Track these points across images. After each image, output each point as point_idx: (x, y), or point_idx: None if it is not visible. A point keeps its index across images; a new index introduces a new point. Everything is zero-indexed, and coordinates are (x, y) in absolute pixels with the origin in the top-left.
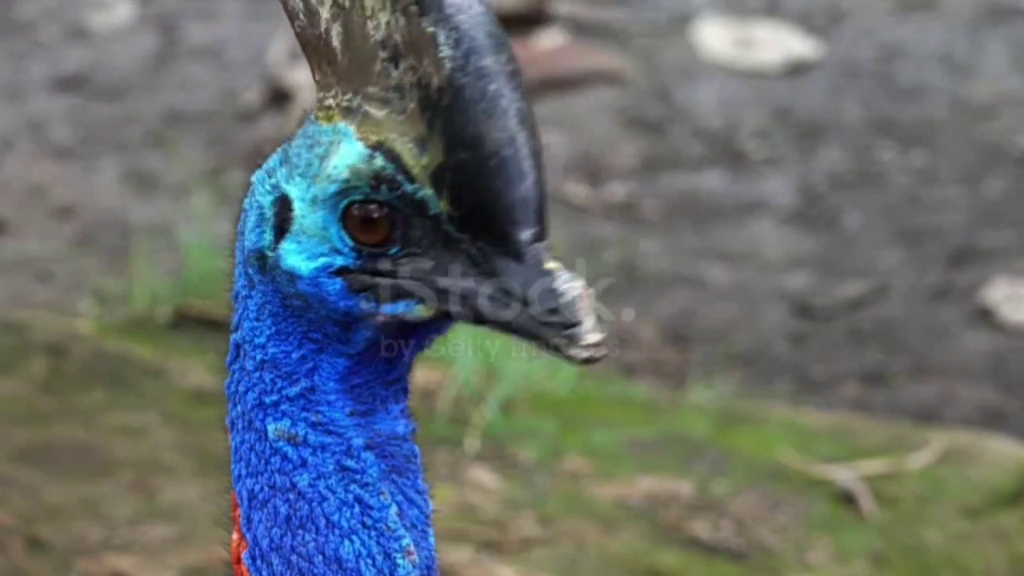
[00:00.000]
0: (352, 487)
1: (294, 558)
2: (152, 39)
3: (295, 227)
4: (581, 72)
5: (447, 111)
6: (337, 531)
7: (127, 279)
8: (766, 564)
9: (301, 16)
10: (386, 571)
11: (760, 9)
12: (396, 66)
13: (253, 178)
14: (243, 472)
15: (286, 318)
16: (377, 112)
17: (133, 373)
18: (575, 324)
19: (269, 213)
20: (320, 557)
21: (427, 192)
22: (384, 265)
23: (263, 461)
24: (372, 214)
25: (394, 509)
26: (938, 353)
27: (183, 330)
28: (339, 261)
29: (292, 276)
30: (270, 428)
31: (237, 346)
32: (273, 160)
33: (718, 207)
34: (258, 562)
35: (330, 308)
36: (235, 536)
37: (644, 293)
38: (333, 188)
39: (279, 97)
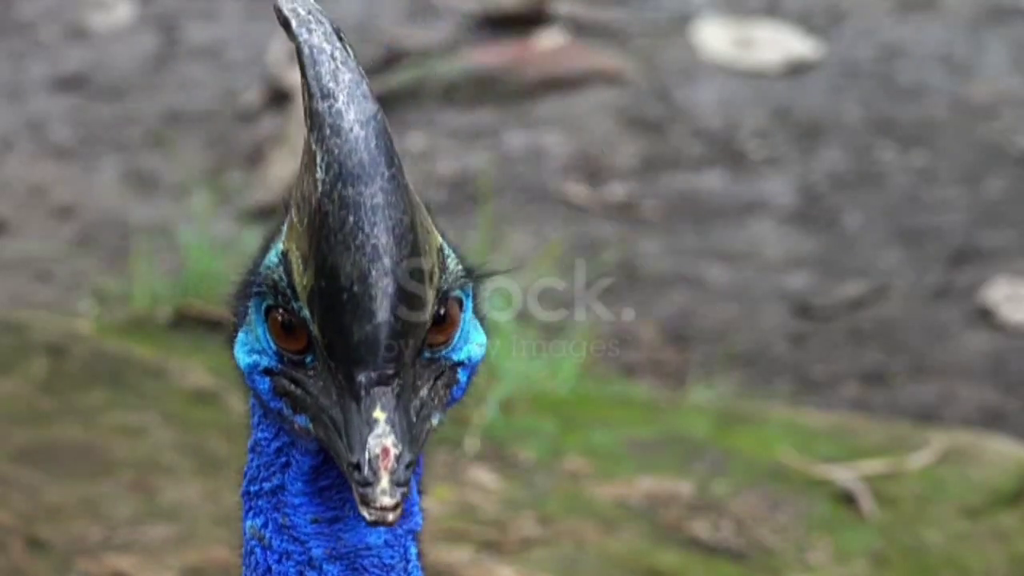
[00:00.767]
0: None
1: None
2: (152, 39)
3: (247, 319)
4: (581, 72)
5: (316, 235)
6: None
7: (127, 279)
8: (766, 564)
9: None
10: None
11: (760, 9)
12: (305, 174)
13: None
14: (244, 562)
15: (263, 409)
16: (294, 218)
17: (133, 373)
18: (367, 484)
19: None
20: None
21: (306, 312)
22: (299, 374)
23: (246, 558)
24: (290, 321)
25: None
26: (938, 353)
27: (183, 330)
28: (264, 362)
29: (237, 366)
30: (247, 525)
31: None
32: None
33: (718, 207)
34: None
35: (265, 405)
36: None
37: (644, 293)
38: (256, 287)
39: (279, 97)
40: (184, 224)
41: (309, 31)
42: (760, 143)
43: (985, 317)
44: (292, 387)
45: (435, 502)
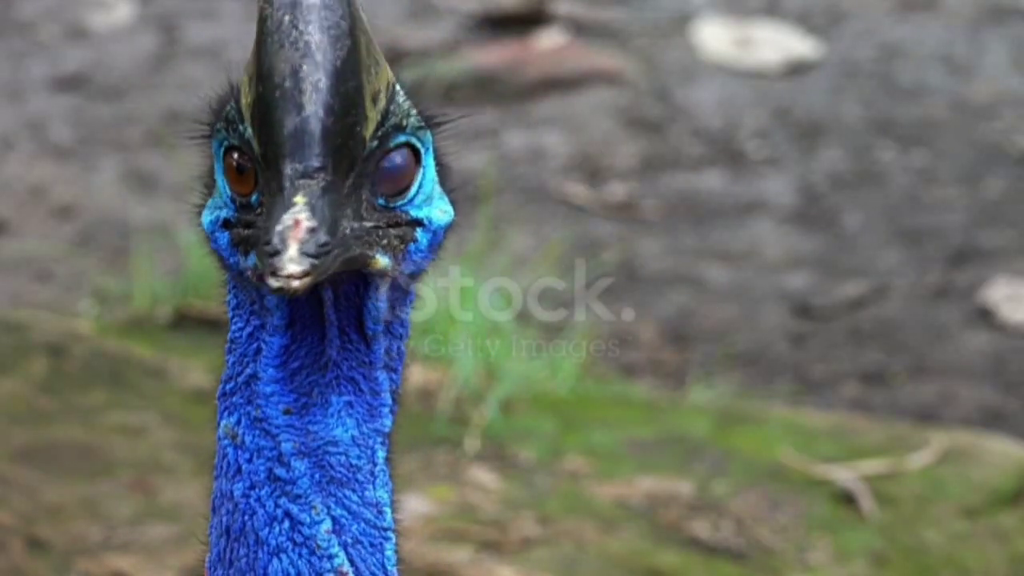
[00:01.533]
0: (282, 500)
1: (232, 572)
2: (152, 39)
3: (214, 184)
4: (581, 72)
5: (258, 43)
6: (265, 548)
7: (127, 279)
8: (766, 564)
9: None
10: None
11: (760, 9)
12: None
13: None
14: (215, 473)
15: (237, 290)
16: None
17: (133, 373)
18: (276, 253)
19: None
20: (251, 574)
21: (249, 131)
22: (250, 216)
23: (219, 462)
24: (241, 163)
25: (326, 525)
26: (938, 353)
27: (183, 330)
28: (224, 213)
29: (204, 236)
30: (222, 424)
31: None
32: None
33: (718, 207)
34: (211, 572)
35: (226, 266)
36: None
37: (644, 293)
38: (215, 127)
39: None
40: (184, 224)
41: None
42: (760, 143)
43: (985, 317)
44: (244, 231)
45: (435, 502)
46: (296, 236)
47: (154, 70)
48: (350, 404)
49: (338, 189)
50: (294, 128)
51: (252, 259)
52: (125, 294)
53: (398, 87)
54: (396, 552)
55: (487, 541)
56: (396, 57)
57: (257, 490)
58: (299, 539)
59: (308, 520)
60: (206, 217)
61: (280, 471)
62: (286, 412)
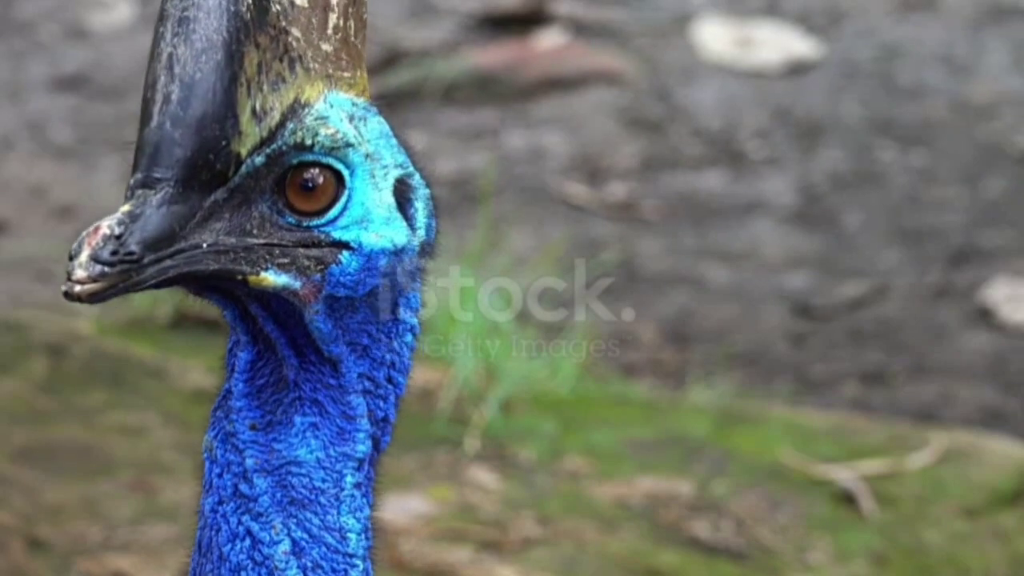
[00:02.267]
0: (244, 517)
1: None
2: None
3: None
4: (581, 72)
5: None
6: (227, 565)
7: None
8: (766, 564)
9: None
10: None
11: (760, 9)
12: None
13: None
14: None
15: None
16: None
17: (133, 373)
18: (71, 257)
19: None
20: None
21: None
22: None
23: (205, 476)
24: None
25: (284, 546)
26: (938, 353)
27: (183, 330)
28: None
29: None
30: (205, 439)
31: None
32: None
33: (718, 207)
34: None
35: None
36: None
37: (644, 293)
38: None
39: None
40: None
41: None
42: (760, 143)
43: (985, 317)
44: None
45: (435, 502)
46: (90, 241)
47: None
48: (315, 426)
49: (187, 202)
50: (142, 139)
51: None
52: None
53: (322, 110)
54: None
55: (487, 541)
56: (396, 57)
57: (223, 505)
58: (258, 558)
59: (268, 539)
60: None
61: (244, 487)
62: (252, 428)
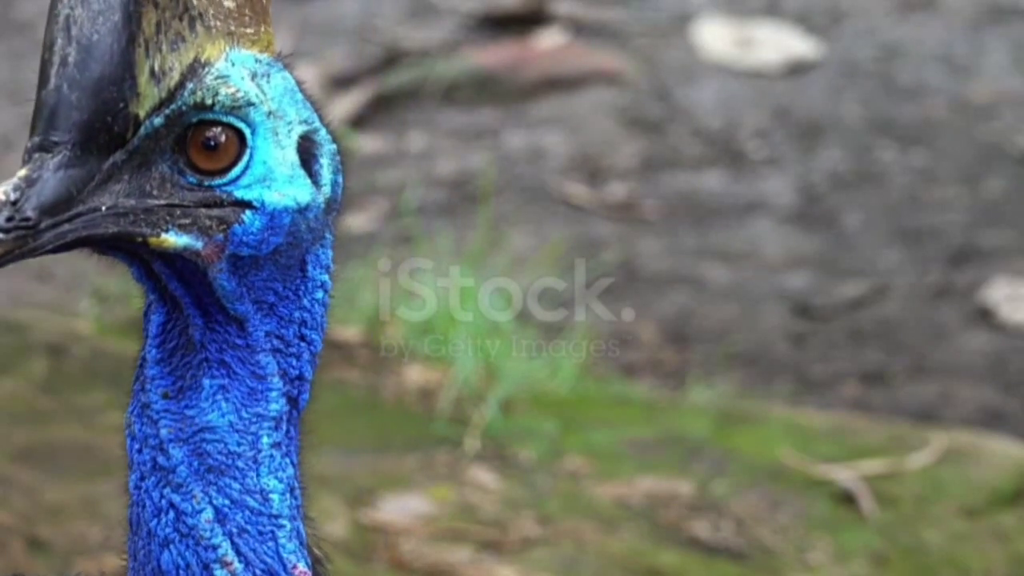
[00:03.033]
0: (165, 490)
1: (136, 566)
2: None
3: None
4: (581, 72)
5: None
6: (156, 540)
7: (127, 279)
8: (766, 564)
9: None
10: None
11: (760, 9)
12: None
13: None
14: None
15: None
16: None
17: (133, 373)
18: None
19: None
20: (148, 567)
21: None
22: None
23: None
24: None
25: (207, 515)
26: (938, 353)
27: None
28: None
29: None
30: (126, 416)
31: None
32: None
33: (718, 207)
34: (129, 571)
35: None
36: None
37: (644, 293)
38: None
39: None
40: None
41: None
42: (760, 143)
43: (985, 317)
44: None
45: (435, 502)
46: None
47: None
48: (224, 388)
49: (85, 165)
50: (39, 101)
51: None
52: (125, 294)
53: (222, 70)
54: (298, 538)
55: (487, 541)
56: (396, 57)
57: (145, 480)
58: (184, 530)
59: (190, 509)
60: None
61: (161, 459)
62: (164, 396)
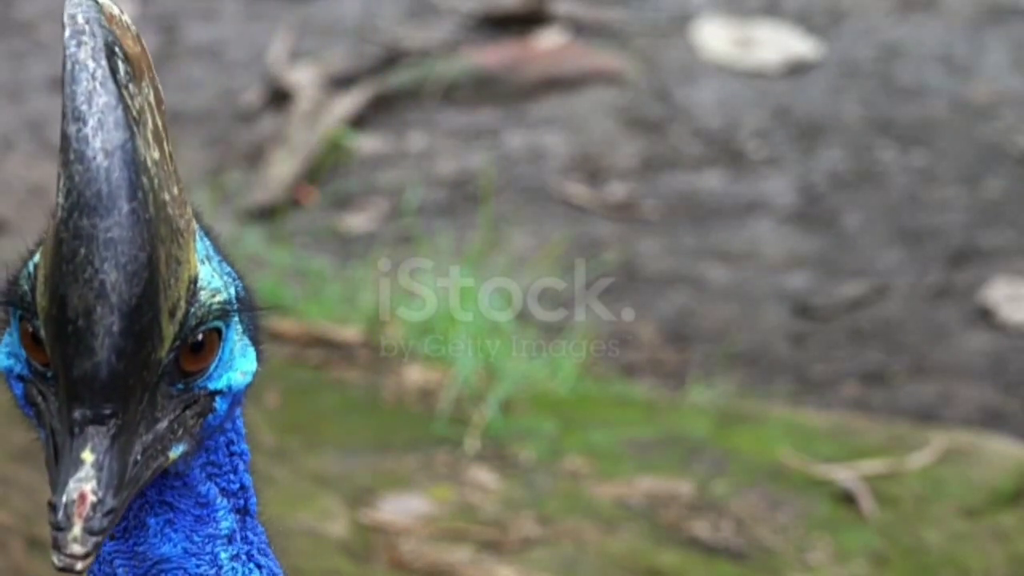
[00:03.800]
0: None
1: None
2: (152, 39)
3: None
4: (581, 72)
5: (52, 260)
6: None
7: None
8: (766, 564)
9: None
10: None
11: (760, 9)
12: (56, 196)
13: None
14: None
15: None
16: (46, 235)
17: None
18: (60, 529)
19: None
20: None
21: (43, 333)
22: (44, 387)
23: None
24: (39, 336)
25: None
26: (938, 353)
27: None
28: (18, 368)
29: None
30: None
31: None
32: None
33: (718, 207)
34: None
35: (21, 410)
36: None
37: (644, 293)
38: (11, 294)
39: (279, 97)
40: None
41: (78, 44)
42: (760, 143)
43: (985, 317)
44: (39, 399)
45: (435, 502)
46: (81, 513)
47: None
48: (170, 522)
49: (131, 426)
50: (83, 373)
51: (44, 435)
52: None
53: (202, 277)
54: None
55: (487, 541)
56: (396, 57)
57: None
58: None
59: None
60: (2, 359)
61: None
62: (111, 538)
